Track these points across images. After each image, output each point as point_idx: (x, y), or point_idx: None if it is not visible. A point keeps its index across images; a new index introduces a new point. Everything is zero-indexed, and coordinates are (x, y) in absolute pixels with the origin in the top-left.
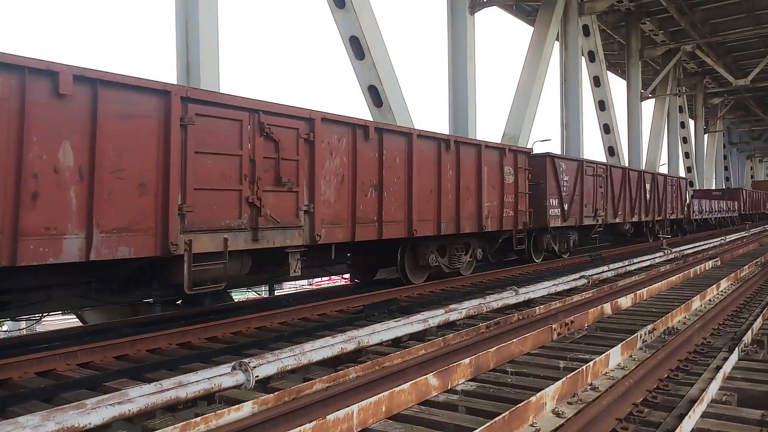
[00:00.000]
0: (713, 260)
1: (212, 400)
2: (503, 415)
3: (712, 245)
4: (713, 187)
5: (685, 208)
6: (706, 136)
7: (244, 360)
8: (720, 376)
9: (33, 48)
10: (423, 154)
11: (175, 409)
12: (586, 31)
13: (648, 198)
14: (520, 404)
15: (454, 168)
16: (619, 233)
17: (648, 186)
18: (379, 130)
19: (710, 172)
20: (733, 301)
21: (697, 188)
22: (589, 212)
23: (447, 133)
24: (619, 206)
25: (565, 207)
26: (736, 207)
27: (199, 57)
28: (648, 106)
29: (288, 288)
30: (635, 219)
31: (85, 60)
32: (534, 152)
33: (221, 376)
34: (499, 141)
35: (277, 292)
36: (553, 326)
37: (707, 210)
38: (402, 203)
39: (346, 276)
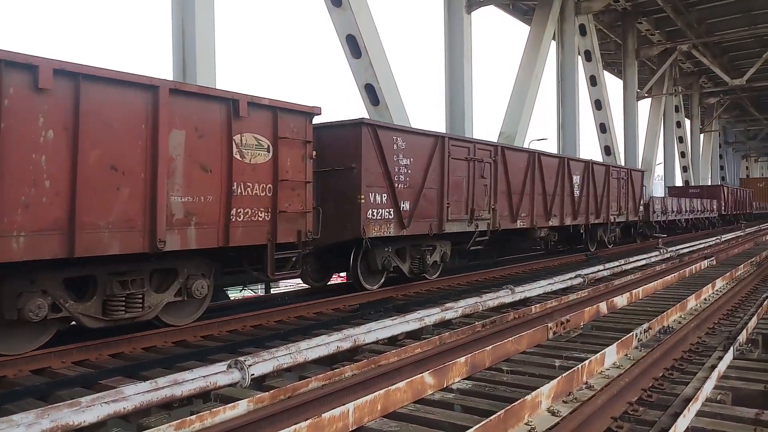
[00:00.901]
0: (708, 260)
1: (208, 398)
2: (499, 413)
3: (707, 245)
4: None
5: (641, 208)
6: (702, 135)
7: (239, 358)
8: (715, 375)
9: (31, 46)
10: None
11: (170, 407)
12: (583, 30)
13: (577, 194)
14: (516, 403)
15: (63, 126)
16: (538, 242)
17: (577, 178)
18: None
19: (706, 171)
20: (728, 301)
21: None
22: (458, 214)
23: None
24: (523, 205)
25: (404, 206)
26: (714, 207)
27: (195, 54)
28: (644, 106)
29: (283, 286)
30: (554, 223)
31: (88, 57)
32: (328, 118)
33: (217, 375)
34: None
35: (273, 290)
36: (549, 325)
37: (675, 210)
38: None
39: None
